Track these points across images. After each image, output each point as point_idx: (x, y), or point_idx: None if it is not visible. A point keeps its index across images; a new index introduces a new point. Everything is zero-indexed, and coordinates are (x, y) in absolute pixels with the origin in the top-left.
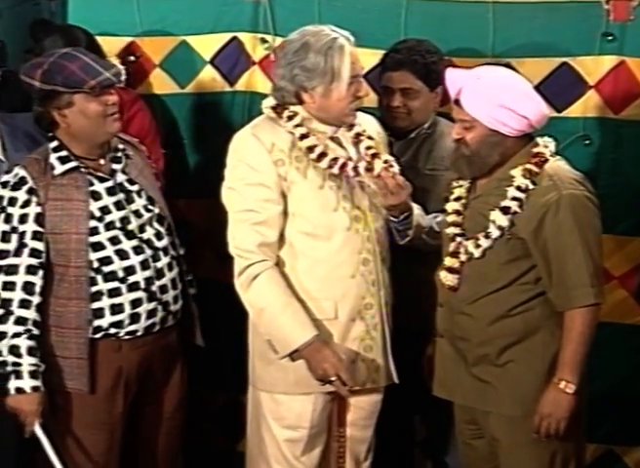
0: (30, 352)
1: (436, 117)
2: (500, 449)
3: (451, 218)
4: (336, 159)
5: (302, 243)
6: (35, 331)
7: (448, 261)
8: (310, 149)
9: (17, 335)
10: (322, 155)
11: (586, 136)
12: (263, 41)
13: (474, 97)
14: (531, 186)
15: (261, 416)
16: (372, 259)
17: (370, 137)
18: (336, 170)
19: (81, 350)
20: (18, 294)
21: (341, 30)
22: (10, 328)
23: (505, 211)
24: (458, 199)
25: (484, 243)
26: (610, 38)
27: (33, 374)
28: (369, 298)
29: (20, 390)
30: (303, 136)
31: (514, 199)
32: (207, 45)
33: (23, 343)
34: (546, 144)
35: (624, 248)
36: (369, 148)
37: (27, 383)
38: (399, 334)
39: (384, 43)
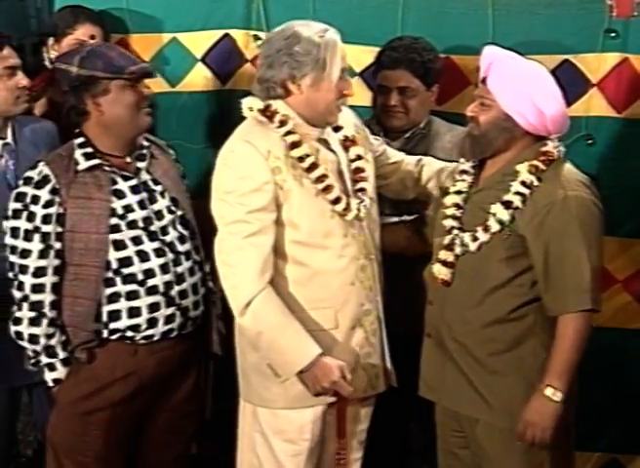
0: (64, 347)
1: (431, 116)
2: (486, 460)
3: (450, 211)
4: (324, 177)
5: (300, 253)
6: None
7: (442, 254)
8: (301, 159)
9: (50, 336)
10: (313, 166)
11: (589, 136)
12: (256, 38)
13: (502, 76)
14: (536, 183)
15: (257, 432)
16: (368, 264)
17: (353, 140)
18: (321, 187)
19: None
20: (48, 296)
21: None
22: (43, 330)
23: (507, 205)
24: (459, 192)
25: (482, 236)
26: (613, 35)
27: (65, 363)
28: (367, 305)
29: (56, 381)
30: (294, 145)
31: (517, 194)
32: (198, 42)
33: (56, 340)
34: (556, 146)
35: (628, 250)
36: (358, 158)
37: (61, 372)
38: (390, 339)
39: (381, 40)
